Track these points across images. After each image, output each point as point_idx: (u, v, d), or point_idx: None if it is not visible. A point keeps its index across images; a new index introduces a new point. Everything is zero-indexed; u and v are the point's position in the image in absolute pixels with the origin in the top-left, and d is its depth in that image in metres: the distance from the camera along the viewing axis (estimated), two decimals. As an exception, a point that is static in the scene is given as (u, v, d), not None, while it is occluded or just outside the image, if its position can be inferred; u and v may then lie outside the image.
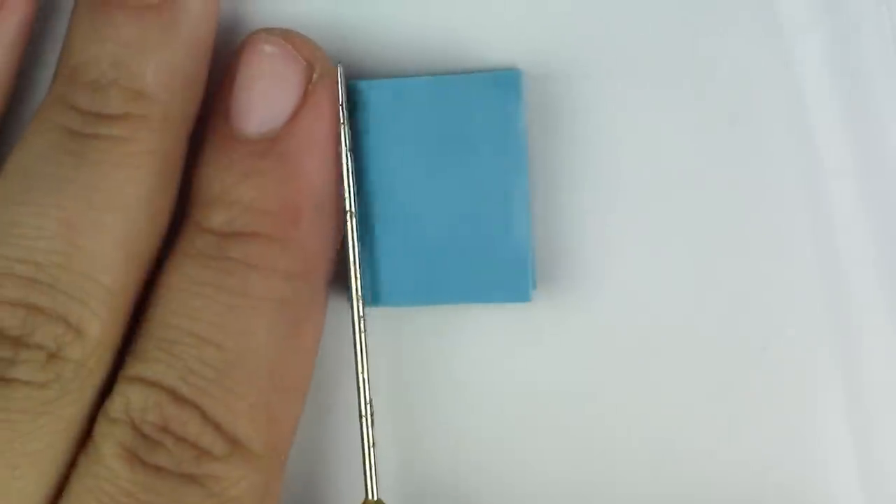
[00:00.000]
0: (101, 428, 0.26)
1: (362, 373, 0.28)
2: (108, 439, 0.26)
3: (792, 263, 0.29)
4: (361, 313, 0.28)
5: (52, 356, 0.26)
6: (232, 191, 0.27)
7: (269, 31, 0.28)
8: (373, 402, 0.28)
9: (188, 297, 0.26)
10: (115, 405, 0.26)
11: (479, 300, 0.28)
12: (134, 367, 0.26)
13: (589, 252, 0.29)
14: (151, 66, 0.27)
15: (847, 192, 0.29)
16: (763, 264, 0.29)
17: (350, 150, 0.28)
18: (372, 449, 0.28)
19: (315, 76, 0.27)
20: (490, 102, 0.28)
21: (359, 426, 0.28)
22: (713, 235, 0.29)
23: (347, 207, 0.28)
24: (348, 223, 0.28)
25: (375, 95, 0.28)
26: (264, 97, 0.27)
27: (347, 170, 0.28)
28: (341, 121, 0.28)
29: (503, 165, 0.28)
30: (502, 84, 0.28)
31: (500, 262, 0.28)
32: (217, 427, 0.26)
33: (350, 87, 0.28)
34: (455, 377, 0.29)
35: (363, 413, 0.28)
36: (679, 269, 0.29)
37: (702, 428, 0.29)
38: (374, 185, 0.28)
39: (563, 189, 0.29)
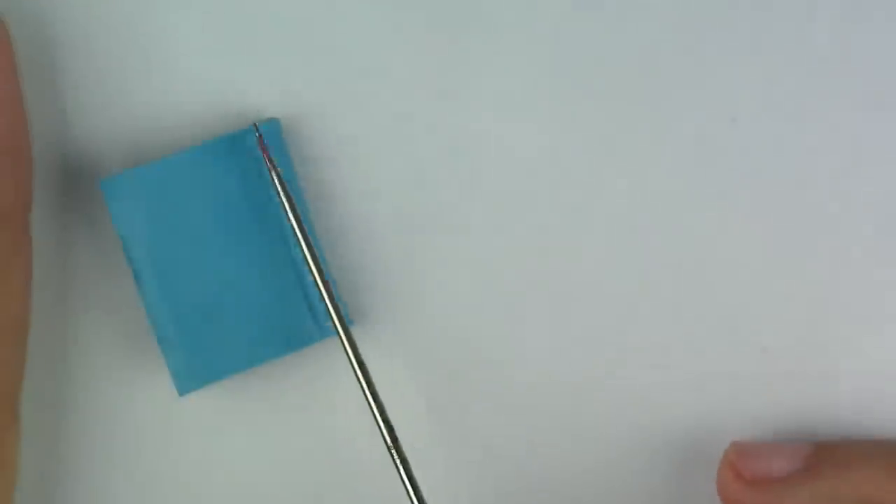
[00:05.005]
0: None
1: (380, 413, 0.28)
2: None
3: (792, 263, 0.29)
4: (353, 344, 0.28)
5: None
6: None
7: None
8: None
9: None
10: None
11: (283, 354, 0.28)
12: None
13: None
14: None
15: (847, 192, 0.29)
16: (763, 265, 0.29)
17: (284, 192, 0.28)
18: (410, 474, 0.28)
19: None
20: (239, 162, 0.28)
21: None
22: (714, 235, 0.29)
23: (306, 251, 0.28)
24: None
25: (127, 186, 0.28)
26: None
27: (294, 214, 0.28)
28: (270, 168, 0.28)
29: (278, 218, 0.28)
30: (249, 140, 0.28)
31: (291, 310, 0.28)
32: None
33: (102, 184, 0.28)
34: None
35: (389, 445, 0.28)
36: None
37: (705, 429, 0.29)
38: (158, 276, 0.28)
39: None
